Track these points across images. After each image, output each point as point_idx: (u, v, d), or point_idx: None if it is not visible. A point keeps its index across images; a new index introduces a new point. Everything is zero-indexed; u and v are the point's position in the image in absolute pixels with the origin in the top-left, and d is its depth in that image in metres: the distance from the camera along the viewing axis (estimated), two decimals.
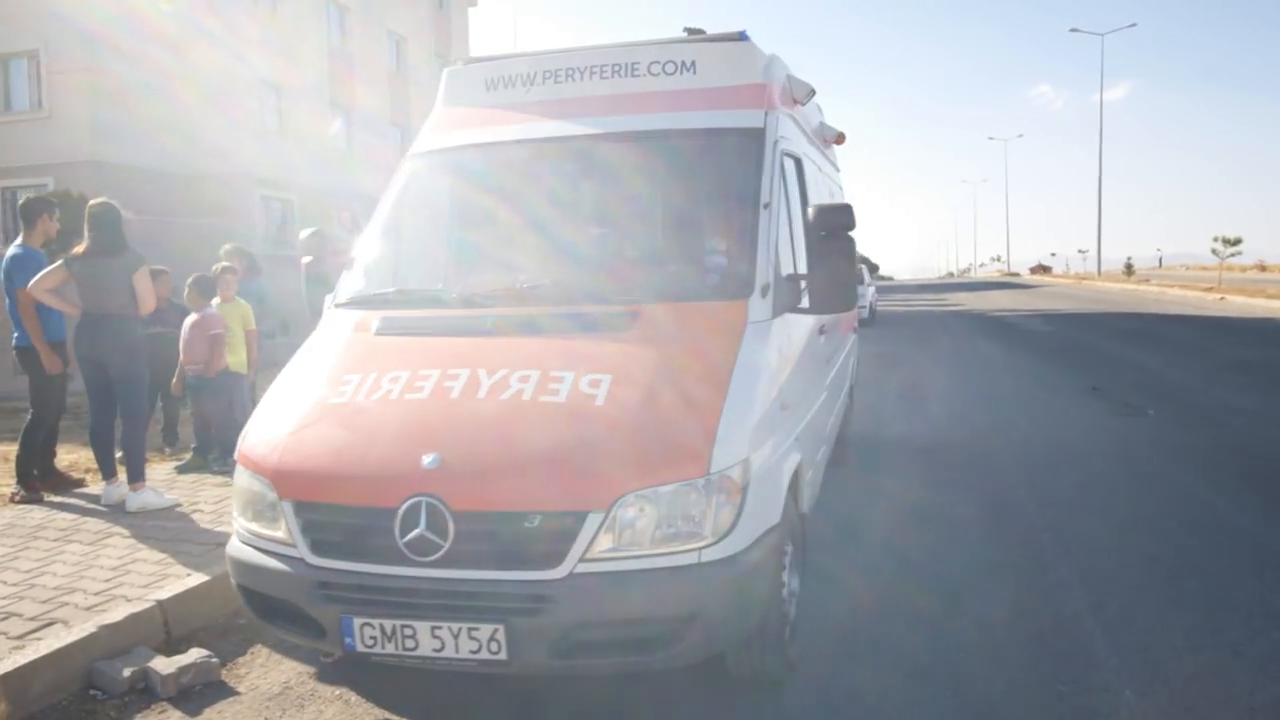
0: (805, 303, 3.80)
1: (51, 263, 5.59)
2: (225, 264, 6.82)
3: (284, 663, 3.86)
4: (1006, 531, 5.37)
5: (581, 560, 2.82)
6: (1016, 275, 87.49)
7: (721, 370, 3.16)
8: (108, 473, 5.68)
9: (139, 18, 21.80)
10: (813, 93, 5.09)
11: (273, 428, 3.34)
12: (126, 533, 5.09)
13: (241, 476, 3.31)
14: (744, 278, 3.51)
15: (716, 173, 4.01)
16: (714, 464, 2.89)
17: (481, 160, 4.27)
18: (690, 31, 4.45)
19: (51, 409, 5.91)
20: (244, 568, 3.24)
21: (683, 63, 4.23)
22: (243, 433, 3.45)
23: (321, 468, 3.07)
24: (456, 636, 2.85)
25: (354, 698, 3.53)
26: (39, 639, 3.66)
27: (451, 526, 2.86)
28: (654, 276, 3.72)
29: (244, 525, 3.29)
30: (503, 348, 3.34)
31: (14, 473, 5.94)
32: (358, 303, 3.85)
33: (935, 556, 4.95)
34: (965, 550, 5.05)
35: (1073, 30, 50.39)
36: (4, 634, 3.70)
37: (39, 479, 6.01)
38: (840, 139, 7.80)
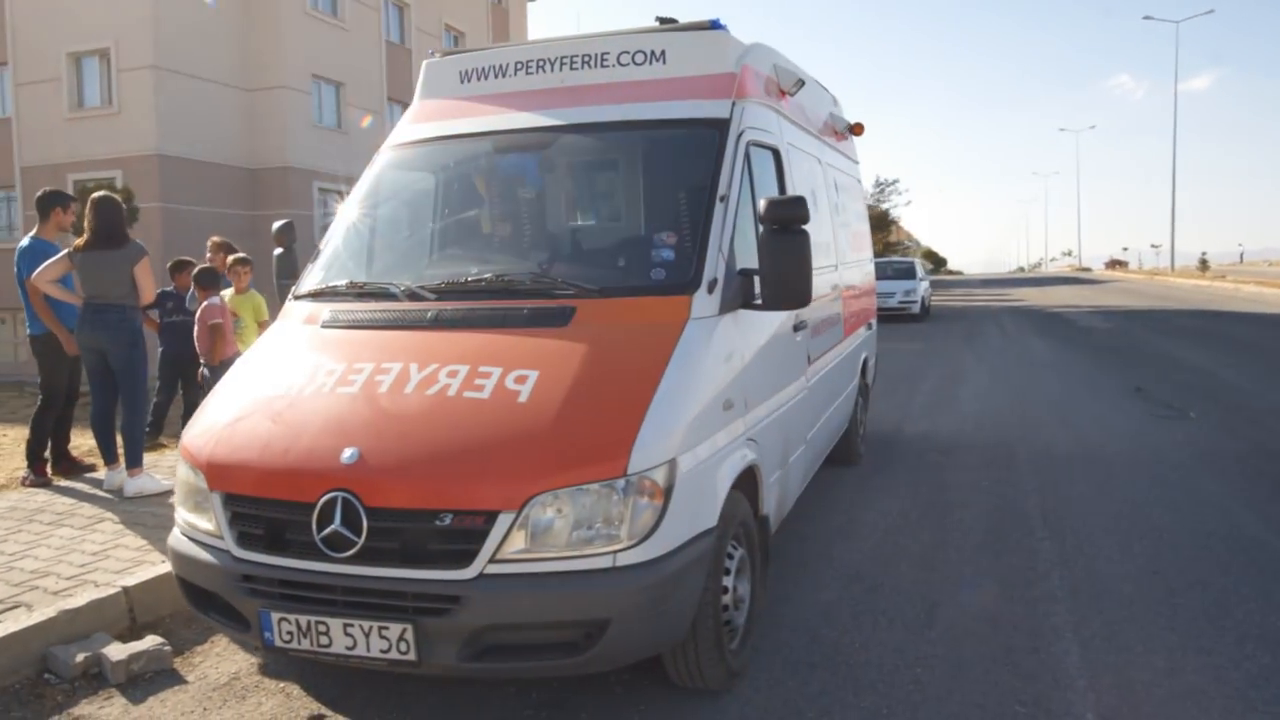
0: None
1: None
2: (239, 256, 6.93)
3: (239, 654, 3.87)
4: (1005, 538, 5.14)
5: (492, 561, 2.75)
6: (1088, 270, 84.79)
7: (652, 368, 3.05)
8: (109, 458, 5.82)
9: (205, 17, 22.44)
10: (801, 83, 4.94)
11: (211, 419, 3.35)
12: (117, 518, 5.20)
13: (181, 467, 3.33)
14: (690, 272, 3.40)
15: (675, 164, 3.90)
16: (633, 465, 2.79)
17: (445, 153, 4.23)
18: (663, 21, 4.33)
19: (60, 395, 6.07)
20: (180, 558, 3.26)
21: (652, 52, 4.13)
22: (188, 424, 3.47)
23: (247, 460, 3.06)
24: (368, 635, 2.81)
25: (296, 691, 3.52)
26: (11, 621, 3.74)
27: (365, 523, 2.81)
28: (598, 270, 3.63)
29: (182, 516, 3.30)
30: (439, 342, 3.29)
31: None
32: (313, 295, 3.84)
33: (921, 563, 4.76)
34: (956, 557, 4.84)
35: (1146, 18, 48.39)
36: None
37: (52, 463, 6.19)
38: (857, 129, 7.60)
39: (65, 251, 5.67)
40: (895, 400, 10.14)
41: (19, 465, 6.09)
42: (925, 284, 24.21)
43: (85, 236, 5.56)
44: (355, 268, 3.91)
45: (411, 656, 2.78)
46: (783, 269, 3.39)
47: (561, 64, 4.27)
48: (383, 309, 3.55)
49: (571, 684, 3.45)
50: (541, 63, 4.30)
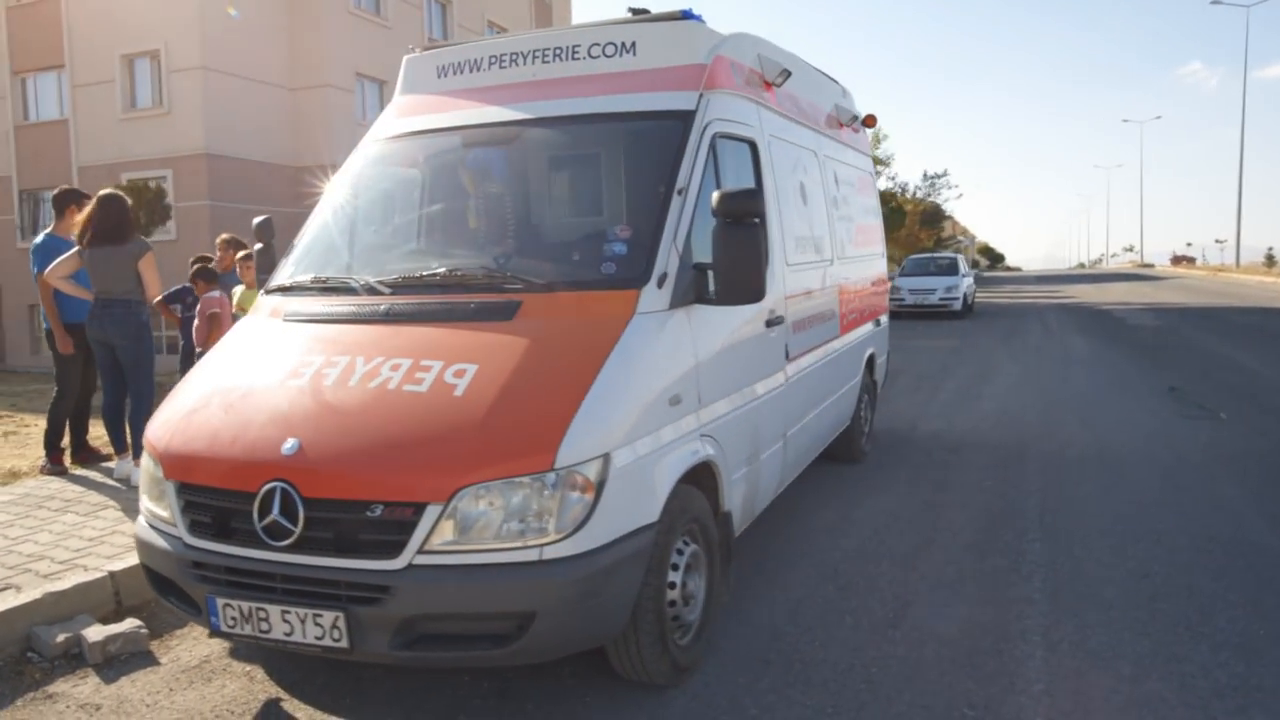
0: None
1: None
2: (247, 252, 7.08)
3: (213, 638, 3.98)
4: (995, 539, 5.04)
5: (420, 552, 2.79)
6: (1150, 266, 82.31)
7: (590, 363, 3.06)
8: (119, 448, 6.01)
9: (250, 18, 22.96)
10: (787, 74, 4.89)
11: (171, 410, 3.45)
12: (119, 506, 5.37)
13: (144, 457, 3.43)
14: (640, 266, 3.39)
15: (635, 158, 3.89)
16: (561, 459, 2.81)
17: (415, 148, 4.28)
18: (635, 12, 4.33)
19: (73, 387, 6.29)
20: (142, 545, 3.36)
21: (623, 44, 4.13)
22: (153, 414, 3.57)
23: (198, 451, 3.15)
24: (303, 622, 2.88)
25: (260, 674, 3.61)
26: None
27: (301, 512, 2.88)
28: (550, 265, 3.64)
29: (145, 504, 3.40)
30: (389, 336, 3.34)
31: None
32: (282, 289, 3.92)
33: (902, 562, 4.69)
34: (940, 557, 4.76)
35: (1214, 2, 46.66)
36: None
37: (71, 452, 6.42)
38: (869, 121, 7.50)
39: (76, 248, 5.87)
40: (916, 398, 10.00)
41: (43, 454, 6.32)
42: (968, 280, 23.74)
43: (90, 233, 5.74)
44: (324, 262, 3.98)
45: (344, 644, 2.84)
46: (734, 262, 3.37)
47: (533, 58, 4.29)
48: (341, 303, 3.61)
49: (523, 672, 3.49)
50: (514, 56, 4.33)
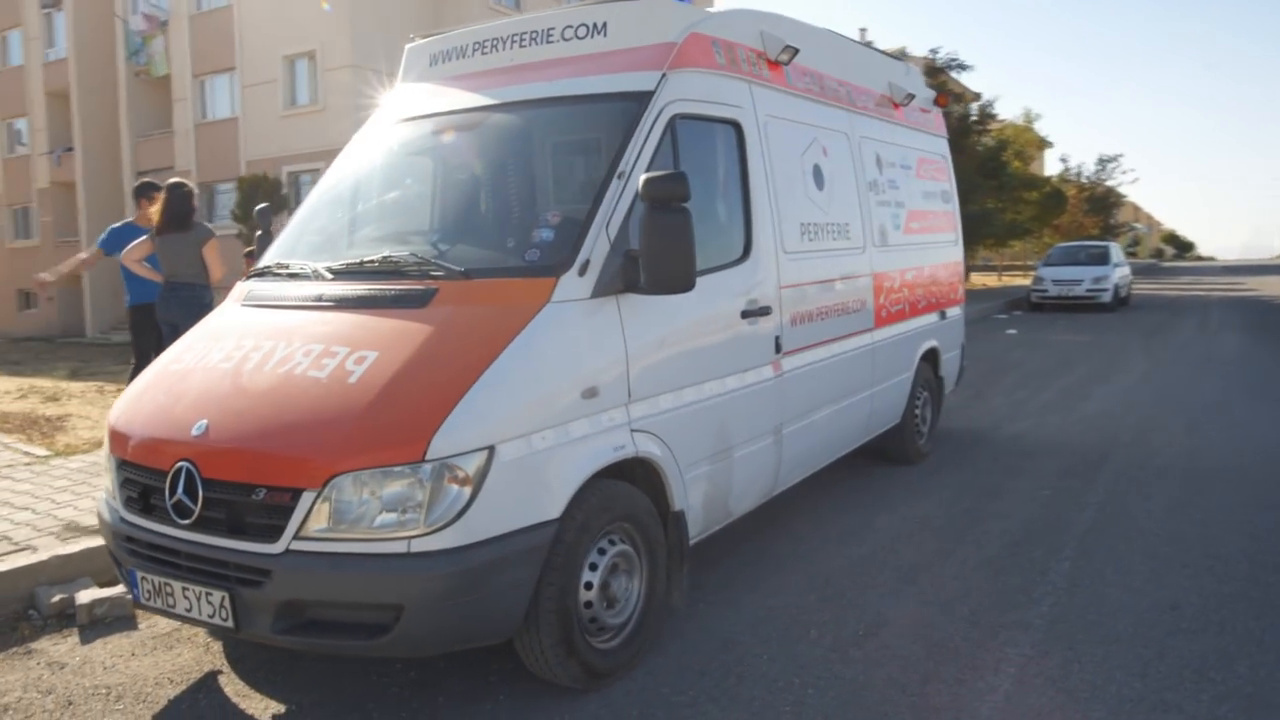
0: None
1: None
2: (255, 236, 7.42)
3: None
4: (1021, 556, 4.58)
5: (296, 538, 2.80)
6: None
7: (485, 353, 2.97)
8: None
9: (394, 15, 24.06)
10: (794, 51, 4.59)
11: (130, 389, 3.62)
12: None
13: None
14: (563, 253, 3.26)
15: (584, 142, 3.76)
16: (434, 450, 2.75)
17: (394, 136, 4.31)
18: None
19: (147, 359, 6.77)
20: (99, 519, 3.55)
21: (594, 25, 3.99)
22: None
23: (132, 428, 3.29)
24: (199, 599, 2.96)
25: (216, 647, 3.75)
26: (8, 561, 4.22)
27: (200, 493, 2.95)
28: (477, 251, 3.57)
29: (105, 480, 3.60)
30: (313, 322, 3.37)
31: None
32: (257, 274, 4.03)
33: (904, 575, 4.34)
34: (951, 572, 4.37)
35: None
36: None
37: None
38: (941, 100, 7.02)
39: (148, 234, 6.31)
40: (1017, 395, 9.29)
41: None
42: (1122, 270, 21.84)
43: (159, 220, 6.15)
44: (294, 248, 4.06)
45: (230, 624, 2.89)
46: (658, 250, 3.18)
47: (511, 43, 4.22)
48: (289, 289, 3.67)
49: (448, 665, 3.45)
50: (495, 42, 4.28)
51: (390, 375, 2.95)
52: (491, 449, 2.84)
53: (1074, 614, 3.85)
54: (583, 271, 3.22)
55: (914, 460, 6.44)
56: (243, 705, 3.26)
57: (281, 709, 3.23)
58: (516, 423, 2.92)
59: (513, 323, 3.07)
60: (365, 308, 3.32)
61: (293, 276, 3.77)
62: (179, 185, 6.26)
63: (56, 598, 4.08)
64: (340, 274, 3.57)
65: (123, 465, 3.30)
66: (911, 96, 6.36)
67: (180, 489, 2.99)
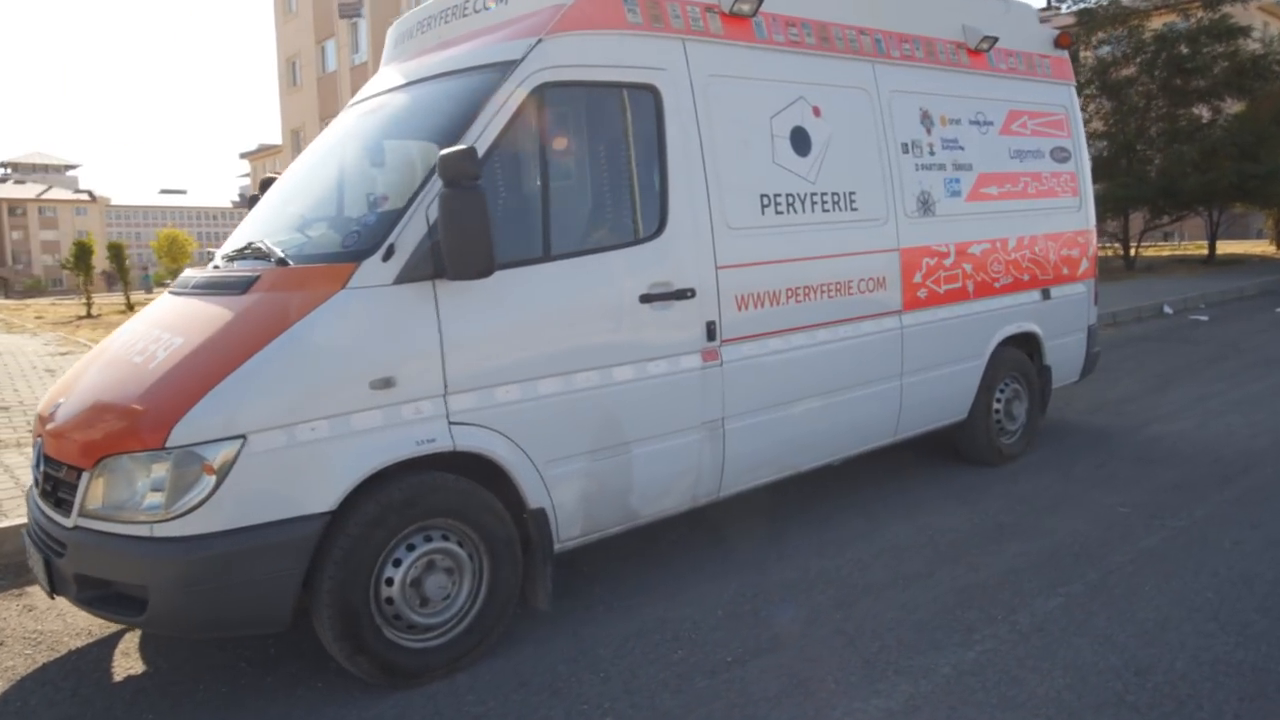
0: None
1: None
2: None
3: None
4: (1015, 584, 3.81)
5: (80, 514, 2.99)
6: None
7: (256, 340, 2.97)
8: None
9: None
10: (757, 2, 4.07)
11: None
12: None
13: None
14: (372, 237, 3.16)
15: (440, 119, 3.55)
16: (175, 438, 2.81)
17: (335, 123, 4.37)
18: None
19: None
20: None
21: None
22: None
23: (40, 409, 3.67)
24: (34, 563, 3.26)
25: None
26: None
27: (43, 469, 3.24)
28: (326, 236, 3.54)
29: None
30: (176, 307, 3.55)
31: None
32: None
33: (846, 597, 3.78)
34: (910, 595, 3.74)
35: None
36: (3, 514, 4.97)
37: None
38: (1063, 40, 5.97)
39: None
40: (1210, 389, 7.67)
41: None
42: None
43: None
44: (236, 234, 4.27)
45: (47, 588, 3.16)
46: (449, 232, 2.99)
47: (440, 19, 4.17)
48: (190, 275, 3.87)
49: (298, 650, 3.48)
50: (431, 20, 4.25)
51: (172, 363, 3.04)
52: (243, 438, 2.83)
53: (997, 666, 3.15)
54: (387, 257, 3.10)
55: (994, 461, 5.57)
56: (119, 664, 3.53)
57: (145, 669, 3.46)
58: (277, 413, 2.89)
59: (297, 310, 3.03)
60: (204, 294, 3.45)
61: (206, 263, 3.99)
62: None
63: None
64: (229, 261, 3.70)
65: (35, 446, 3.69)
66: (993, 40, 5.40)
67: (41, 463, 3.30)
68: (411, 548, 3.17)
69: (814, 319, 4.37)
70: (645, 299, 3.69)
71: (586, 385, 3.55)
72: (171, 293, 3.77)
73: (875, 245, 4.67)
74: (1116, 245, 19.91)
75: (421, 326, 3.15)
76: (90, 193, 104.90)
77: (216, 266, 3.74)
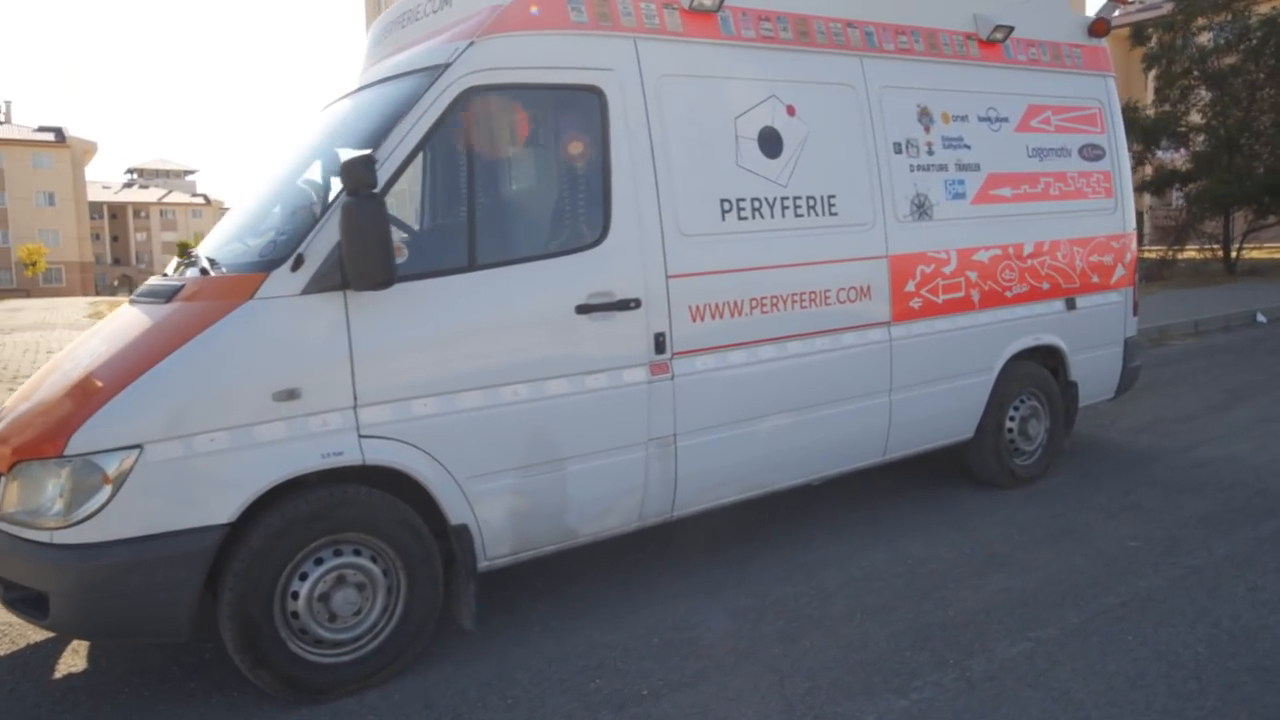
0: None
1: None
2: None
3: None
4: (980, 625, 3.51)
5: (0, 519, 3.03)
6: None
7: (159, 351, 2.97)
8: None
9: None
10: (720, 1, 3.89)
11: None
12: None
13: None
14: (286, 247, 3.13)
15: (368, 126, 3.49)
16: (72, 447, 2.83)
17: (301, 125, 4.38)
18: None
19: None
20: None
21: None
22: None
23: None
24: None
25: None
26: None
27: None
28: (241, 245, 3.51)
29: None
30: (120, 317, 3.59)
31: None
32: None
33: (794, 631, 3.55)
34: (863, 631, 3.49)
35: None
36: None
37: None
38: (1098, 28, 5.56)
39: None
40: (1267, 411, 6.96)
41: None
42: None
43: None
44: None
45: None
46: (347, 240, 2.93)
47: (398, 24, 4.14)
48: (143, 285, 3.91)
49: (192, 664, 3.46)
50: (393, 24, 4.22)
51: (88, 371, 3.07)
52: (139, 448, 2.83)
53: (933, 714, 2.88)
54: (296, 266, 3.06)
55: (1005, 484, 5.19)
56: (66, 661, 3.58)
57: (85, 667, 3.51)
58: (174, 423, 2.87)
59: (203, 321, 3.01)
60: (140, 303, 3.49)
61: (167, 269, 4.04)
62: None
63: None
64: (177, 269, 3.72)
65: None
66: (1008, 30, 5.03)
67: None
68: (320, 561, 3.12)
69: (785, 330, 4.13)
70: (583, 309, 3.55)
71: (515, 399, 3.44)
72: (128, 301, 3.83)
73: (859, 252, 4.40)
74: (1216, 247, 18.64)
75: (330, 337, 3.09)
76: (206, 196, 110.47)
77: (166, 274, 3.77)
